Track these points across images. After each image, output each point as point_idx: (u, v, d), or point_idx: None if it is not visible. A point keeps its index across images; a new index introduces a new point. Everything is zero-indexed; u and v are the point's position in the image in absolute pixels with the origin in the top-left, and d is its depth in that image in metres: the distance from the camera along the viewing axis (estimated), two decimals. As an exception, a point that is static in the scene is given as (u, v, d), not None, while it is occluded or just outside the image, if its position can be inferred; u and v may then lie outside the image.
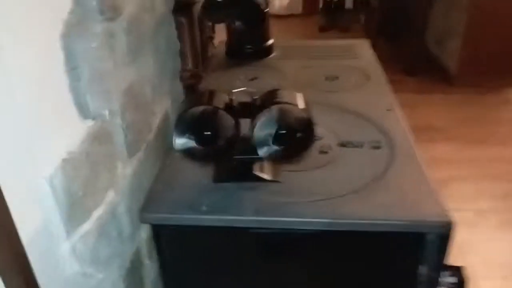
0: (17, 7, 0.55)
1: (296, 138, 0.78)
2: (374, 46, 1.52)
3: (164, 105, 1.11)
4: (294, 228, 0.80)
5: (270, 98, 0.80)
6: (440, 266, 0.79)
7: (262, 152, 0.80)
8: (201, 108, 0.78)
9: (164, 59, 1.11)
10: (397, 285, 0.87)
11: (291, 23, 4.54)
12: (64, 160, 0.65)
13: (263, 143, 0.79)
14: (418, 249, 0.79)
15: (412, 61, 3.43)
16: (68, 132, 0.68)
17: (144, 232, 0.96)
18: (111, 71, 0.79)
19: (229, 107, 0.79)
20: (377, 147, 0.95)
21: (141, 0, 0.93)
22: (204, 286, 0.95)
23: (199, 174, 0.88)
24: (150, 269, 1.02)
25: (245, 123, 0.80)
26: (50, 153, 0.63)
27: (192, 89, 1.33)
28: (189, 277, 0.91)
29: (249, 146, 0.80)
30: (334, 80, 1.28)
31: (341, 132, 1.00)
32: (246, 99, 0.82)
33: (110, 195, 0.80)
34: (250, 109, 0.80)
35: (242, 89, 0.84)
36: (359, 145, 0.95)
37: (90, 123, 0.73)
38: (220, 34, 1.57)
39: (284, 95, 0.80)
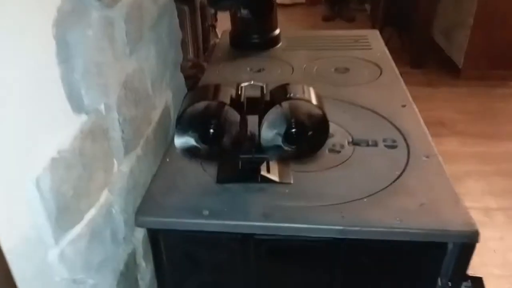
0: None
1: (308, 137, 0.74)
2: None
3: (164, 98, 1.07)
4: (303, 235, 0.76)
5: (280, 93, 0.75)
6: (461, 278, 0.74)
7: (270, 151, 0.76)
8: (205, 103, 0.74)
9: (165, 50, 1.07)
10: (414, 298, 0.82)
11: (294, 13, 4.47)
12: (53, 160, 0.61)
13: (272, 142, 0.75)
14: (438, 259, 0.74)
15: (419, 53, 3.38)
16: (59, 129, 0.64)
17: (140, 232, 0.92)
18: (109, 62, 0.75)
19: (235, 103, 0.75)
20: (393, 146, 0.90)
21: (141, -15, 0.89)
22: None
23: (201, 174, 0.85)
24: (146, 270, 0.98)
25: (252, 120, 0.76)
26: (38, 151, 0.59)
27: (193, 80, 1.29)
28: (187, 284, 0.87)
29: (257, 145, 0.76)
30: (344, 72, 1.24)
31: (353, 130, 0.96)
32: (254, 94, 0.78)
33: (105, 196, 0.76)
34: (259, 105, 0.76)
35: (250, 83, 0.78)
36: (373, 144, 0.91)
37: (84, 118, 0.69)
38: (223, 23, 1.53)
39: (295, 90, 0.75)
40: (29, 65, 0.56)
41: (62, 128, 0.64)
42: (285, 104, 0.73)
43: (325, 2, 4.56)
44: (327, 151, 0.88)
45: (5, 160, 0.53)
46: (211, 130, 0.74)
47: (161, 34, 1.04)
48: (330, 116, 0.75)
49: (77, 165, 0.67)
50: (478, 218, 0.71)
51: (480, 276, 0.79)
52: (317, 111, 0.74)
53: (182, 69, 1.23)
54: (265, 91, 0.79)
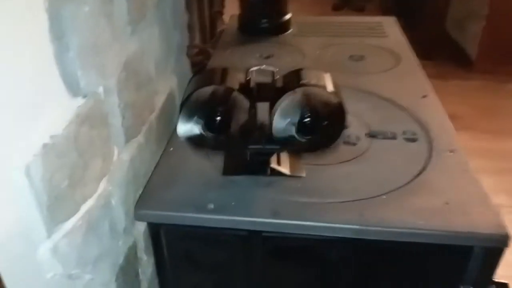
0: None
1: (323, 127, 0.69)
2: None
3: (169, 83, 1.04)
4: (315, 235, 0.71)
5: (293, 79, 0.70)
6: (487, 285, 0.69)
7: (282, 142, 0.72)
8: (211, 88, 0.70)
9: (170, 32, 1.03)
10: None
11: (303, 2, 4.40)
12: (45, 146, 0.57)
13: (284, 132, 0.70)
14: (462, 264, 0.69)
15: (431, 44, 3.30)
16: (52, 112, 0.59)
17: (142, 224, 0.89)
18: (107, 42, 0.70)
19: (244, 88, 0.71)
20: (413, 140, 0.85)
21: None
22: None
23: (206, 165, 0.80)
24: (147, 264, 0.95)
25: (262, 107, 0.72)
26: (28, 137, 0.55)
27: (200, 67, 1.26)
28: (189, 281, 0.83)
29: (267, 135, 0.72)
30: (359, 60, 1.19)
31: (370, 121, 0.90)
32: (265, 79, 0.74)
33: (103, 186, 0.73)
34: (270, 91, 0.72)
35: (260, 67, 0.73)
36: (391, 137, 0.86)
37: (80, 101, 0.65)
38: (230, 9, 1.49)
39: (310, 76, 0.70)
40: (18, 40, 0.52)
41: (56, 112, 0.60)
42: (299, 90, 0.69)
43: (335, -10, 4.48)
44: (341, 143, 0.82)
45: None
46: (218, 118, 0.71)
47: (165, 15, 0.99)
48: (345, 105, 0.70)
49: (71, 152, 0.63)
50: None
51: (506, 282, 0.73)
52: (334, 99, 0.69)
53: (188, 56, 1.19)
54: (276, 77, 0.74)
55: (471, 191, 0.72)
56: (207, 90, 0.70)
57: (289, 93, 0.68)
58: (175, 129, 0.75)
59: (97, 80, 0.68)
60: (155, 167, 0.84)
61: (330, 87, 0.70)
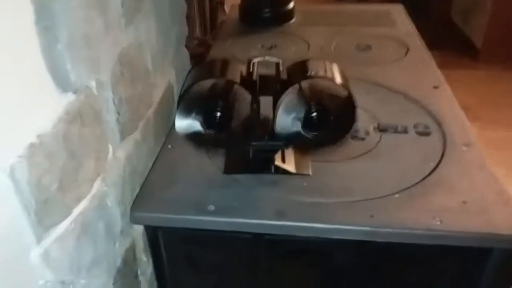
0: None
1: (331, 122, 0.66)
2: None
3: (167, 77, 1.01)
4: (323, 237, 0.68)
5: (299, 71, 0.68)
6: (506, 288, 0.66)
7: (286, 138, 0.69)
8: (211, 81, 0.68)
9: (168, 23, 1.00)
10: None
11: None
12: (31, 146, 0.54)
13: (289, 128, 0.68)
14: (480, 267, 0.66)
15: (436, 33, 3.28)
16: (40, 109, 0.57)
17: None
18: (99, 33, 0.68)
19: (246, 81, 0.69)
20: (426, 133, 0.82)
21: None
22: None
23: (206, 164, 0.78)
24: (147, 265, 0.93)
25: (266, 101, 0.69)
26: (12, 136, 0.52)
27: (200, 59, 1.23)
28: (190, 286, 0.81)
29: (270, 131, 0.70)
30: (366, 50, 1.17)
31: (379, 114, 0.88)
32: (269, 71, 0.71)
33: (97, 186, 0.70)
34: (273, 84, 0.70)
35: (263, 58, 0.72)
36: (402, 130, 0.83)
37: (70, 97, 0.62)
38: (230, 1, 1.48)
39: (316, 67, 0.68)
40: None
41: (44, 109, 0.57)
42: (304, 83, 0.66)
43: (338, -22, 4.46)
44: (349, 138, 0.80)
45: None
46: (218, 113, 0.68)
47: (163, 5, 0.97)
48: (353, 98, 0.67)
49: (61, 152, 0.60)
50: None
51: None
52: (343, 92, 0.66)
53: (188, 48, 1.16)
54: (281, 69, 0.72)
55: (489, 189, 0.69)
56: (207, 83, 0.68)
57: (294, 86, 0.66)
58: (174, 125, 0.72)
59: (89, 74, 0.65)
60: (152, 166, 0.82)
61: (338, 79, 0.67)
